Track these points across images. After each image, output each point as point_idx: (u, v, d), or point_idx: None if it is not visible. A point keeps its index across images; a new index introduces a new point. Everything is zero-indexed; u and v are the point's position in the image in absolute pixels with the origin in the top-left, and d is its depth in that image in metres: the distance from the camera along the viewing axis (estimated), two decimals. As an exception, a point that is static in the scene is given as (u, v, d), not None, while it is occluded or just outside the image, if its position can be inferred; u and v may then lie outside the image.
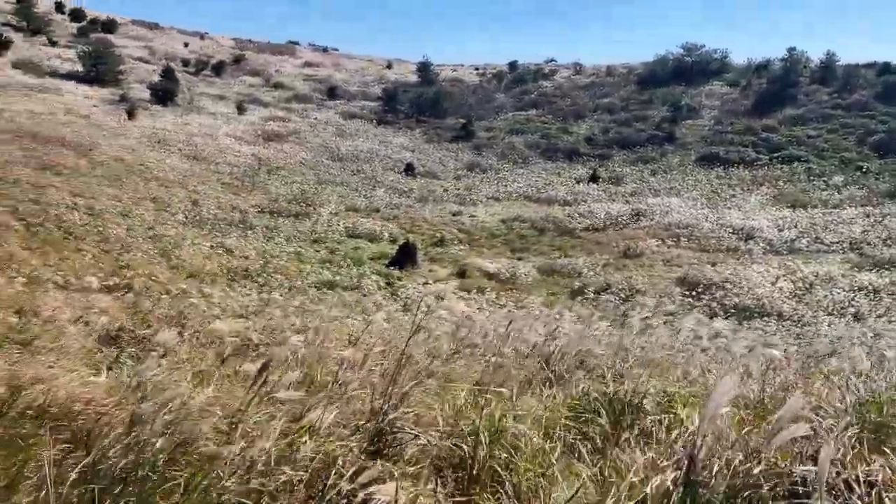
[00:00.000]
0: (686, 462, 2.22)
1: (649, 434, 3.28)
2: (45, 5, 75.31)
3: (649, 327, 6.21)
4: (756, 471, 2.30)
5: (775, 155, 43.01)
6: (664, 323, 6.25)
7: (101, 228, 21.32)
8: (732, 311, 20.12)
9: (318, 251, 26.01)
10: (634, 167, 45.35)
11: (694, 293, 21.79)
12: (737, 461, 2.35)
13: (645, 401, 3.64)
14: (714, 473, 2.27)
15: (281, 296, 17.23)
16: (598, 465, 2.79)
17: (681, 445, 2.65)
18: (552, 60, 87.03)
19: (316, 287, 20.86)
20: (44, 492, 2.22)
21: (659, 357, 5.34)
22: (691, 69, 63.72)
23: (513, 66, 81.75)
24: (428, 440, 2.63)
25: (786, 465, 2.42)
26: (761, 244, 27.64)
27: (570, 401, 3.76)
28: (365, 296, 20.08)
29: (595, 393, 3.69)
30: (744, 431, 2.68)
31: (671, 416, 3.47)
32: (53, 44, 60.52)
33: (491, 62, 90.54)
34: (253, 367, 2.99)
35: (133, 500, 2.25)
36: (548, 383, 4.30)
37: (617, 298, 21.32)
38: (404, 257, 25.38)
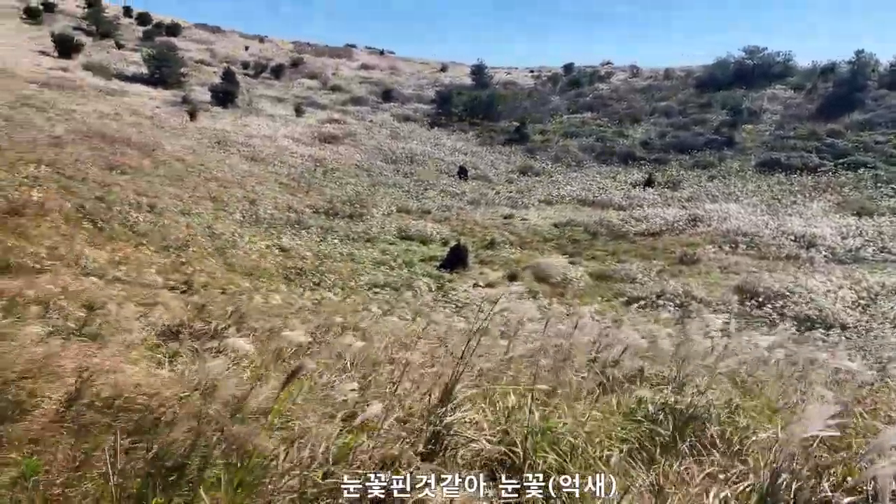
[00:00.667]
0: (768, 477, 2.15)
1: (710, 446, 3.21)
2: (113, 10, 78.26)
3: (708, 336, 6.06)
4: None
5: (840, 161, 41.43)
6: (722, 331, 6.09)
7: (162, 226, 21.99)
8: (793, 320, 19.47)
9: (370, 252, 26.27)
10: (692, 172, 44.41)
11: (753, 301, 21.18)
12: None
13: (706, 411, 3.56)
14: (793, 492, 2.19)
15: (335, 295, 17.48)
16: (655, 475, 2.74)
17: (751, 460, 2.58)
18: (608, 63, 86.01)
19: (368, 287, 21.08)
20: (108, 479, 2.31)
21: (720, 366, 5.21)
22: (753, 72, 62.01)
23: (568, 68, 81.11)
24: (484, 443, 2.63)
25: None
26: (824, 252, 26.67)
27: (627, 408, 3.70)
28: (416, 297, 20.19)
29: (653, 401, 3.63)
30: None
31: (733, 428, 3.38)
32: (121, 47, 62.76)
33: (546, 65, 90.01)
34: (312, 364, 3.05)
35: (190, 493, 2.31)
36: (603, 390, 4.25)
37: (673, 305, 20.89)
38: (455, 259, 25.42)
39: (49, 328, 6.26)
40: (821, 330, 18.57)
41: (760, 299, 21.36)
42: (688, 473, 2.57)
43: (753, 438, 3.27)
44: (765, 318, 19.60)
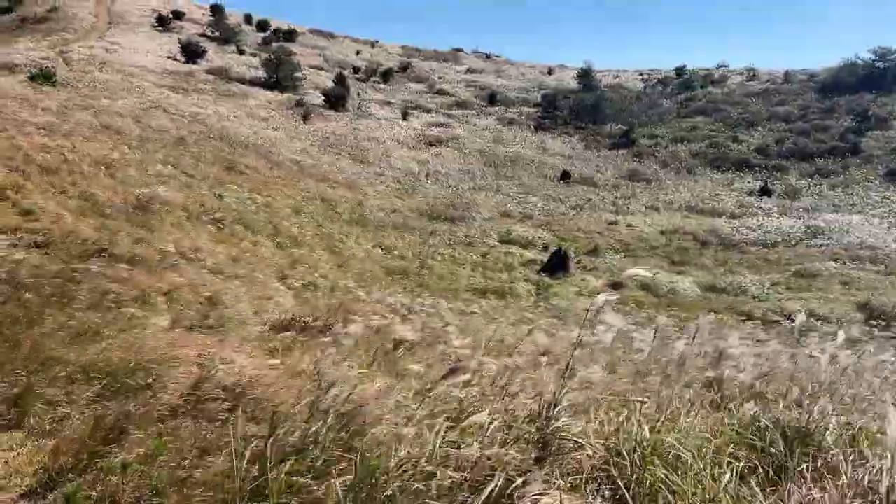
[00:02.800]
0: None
1: (829, 470, 3.02)
2: (235, 17, 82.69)
3: (830, 355, 5.70)
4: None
5: (983, 170, 38.02)
6: (846, 351, 5.71)
7: (276, 225, 23.00)
8: (925, 343, 17.98)
9: (471, 255, 26.40)
10: (812, 180, 41.91)
11: (880, 320, 19.72)
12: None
13: (825, 434, 3.35)
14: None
15: (435, 297, 17.68)
16: (772, 499, 2.61)
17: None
18: (723, 65, 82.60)
19: (468, 290, 21.20)
20: (233, 461, 2.45)
21: (842, 388, 4.90)
22: (884, 75, 57.76)
23: (679, 71, 78.41)
24: (592, 452, 2.59)
25: None
26: (963, 270, 24.53)
27: (740, 426, 3.54)
28: (516, 301, 20.11)
29: (768, 420, 3.45)
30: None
31: (857, 451, 3.17)
32: (241, 52, 66.18)
33: (656, 67, 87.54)
34: (417, 366, 3.12)
35: (312, 478, 2.40)
36: (713, 405, 4.09)
37: (789, 321, 19.78)
38: (556, 265, 25.11)
39: (173, 318, 6.69)
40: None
41: (888, 318, 19.87)
42: (810, 501, 2.42)
43: (879, 466, 3.06)
44: (893, 339, 18.21)
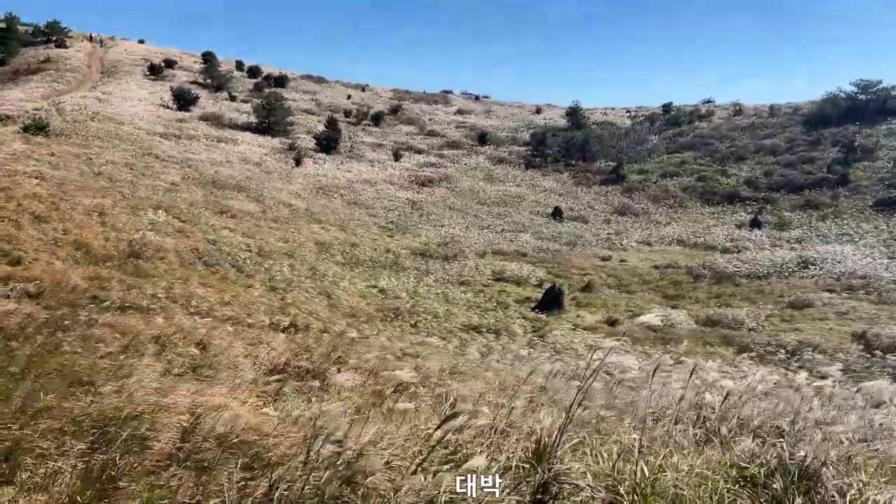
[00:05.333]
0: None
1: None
2: (227, 64, 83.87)
3: (825, 387, 5.71)
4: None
5: (971, 198, 38.46)
6: (841, 383, 5.72)
7: (269, 268, 22.98)
8: (922, 372, 17.94)
9: (465, 294, 26.37)
10: (802, 212, 42.27)
11: (875, 351, 19.69)
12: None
13: (823, 469, 3.33)
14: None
15: (430, 337, 17.60)
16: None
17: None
18: (709, 101, 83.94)
19: (463, 329, 21.11)
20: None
21: (835, 423, 4.89)
22: (867, 107, 58.80)
23: (666, 107, 79.68)
24: (592, 494, 2.56)
25: None
26: (956, 298, 24.60)
27: (735, 463, 3.51)
28: (511, 340, 20.03)
29: (767, 456, 3.43)
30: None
31: (855, 486, 3.15)
32: (233, 98, 66.98)
33: (644, 104, 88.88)
34: (410, 405, 3.10)
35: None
36: (709, 442, 4.06)
37: (784, 353, 19.74)
38: (551, 302, 25.11)
39: (165, 365, 6.63)
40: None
41: (883, 348, 19.85)
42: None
43: (876, 498, 3.04)
44: (889, 369, 18.18)
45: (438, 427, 2.65)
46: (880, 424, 5.20)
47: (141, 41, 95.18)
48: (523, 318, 23.71)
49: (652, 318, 23.99)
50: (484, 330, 21.28)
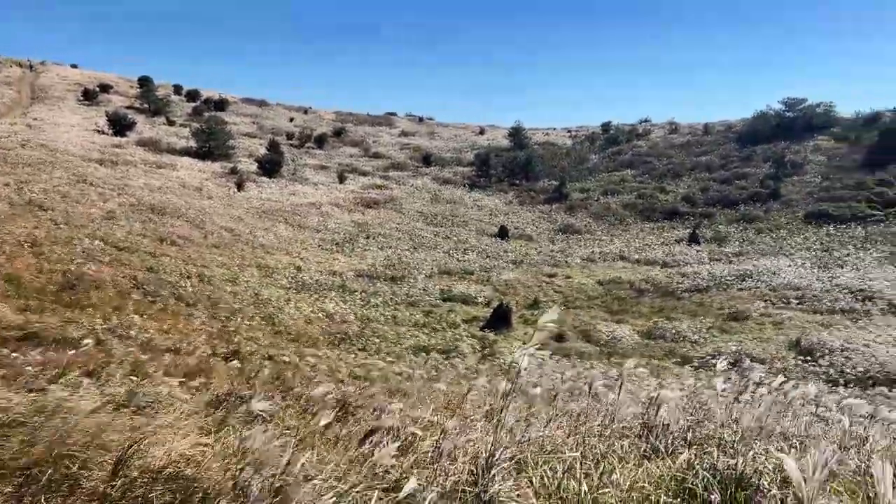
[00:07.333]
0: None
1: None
2: (165, 88, 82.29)
3: (761, 395, 5.87)
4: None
5: (891, 210, 40.43)
6: (777, 391, 5.90)
7: (210, 295, 22.47)
8: (853, 378, 18.68)
9: (413, 314, 26.30)
10: (738, 226, 43.78)
11: (809, 358, 20.44)
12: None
13: (761, 478, 3.40)
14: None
15: (378, 359, 17.46)
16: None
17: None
18: (646, 120, 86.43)
19: (412, 350, 21.03)
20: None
21: (773, 428, 5.03)
22: (794, 124, 61.59)
23: (606, 127, 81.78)
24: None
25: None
26: (881, 305, 25.73)
27: (675, 475, 3.56)
28: (461, 359, 20.03)
29: (702, 468, 3.49)
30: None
31: (792, 495, 3.22)
32: (171, 123, 65.65)
33: (584, 124, 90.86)
34: (348, 430, 3.05)
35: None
36: (650, 456, 4.11)
37: (725, 364, 20.26)
38: (499, 320, 25.27)
39: (98, 399, 6.38)
40: (886, 387, 17.72)
41: (817, 355, 20.61)
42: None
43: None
44: (823, 375, 18.87)
45: (364, 440, 2.63)
46: (808, 426, 5.37)
47: (74, 66, 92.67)
48: (472, 337, 23.78)
49: (598, 332, 24.38)
50: (433, 350, 21.25)
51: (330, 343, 20.68)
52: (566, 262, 38.28)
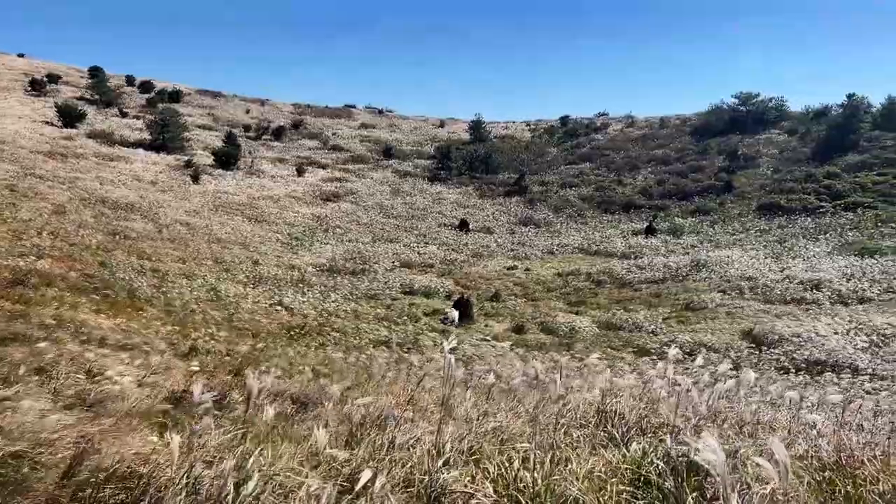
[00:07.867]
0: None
1: (717, 498, 3.14)
2: (117, 79, 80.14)
3: (713, 383, 6.02)
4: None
5: (839, 202, 41.72)
6: (731, 378, 6.03)
7: (166, 290, 22.05)
8: (803, 365, 19.27)
9: (374, 308, 26.21)
10: (693, 218, 44.66)
11: (762, 347, 21.00)
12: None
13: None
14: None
15: (338, 353, 17.36)
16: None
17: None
18: (604, 114, 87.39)
19: (372, 344, 20.96)
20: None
21: (724, 414, 5.17)
22: (747, 118, 63.04)
23: (564, 120, 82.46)
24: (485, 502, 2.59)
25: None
26: (829, 294, 26.54)
27: (630, 463, 3.63)
28: (421, 353, 20.03)
29: (654, 455, 3.57)
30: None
31: (738, 476, 3.31)
32: (124, 115, 64.02)
33: (543, 118, 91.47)
34: (310, 425, 3.04)
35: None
36: (606, 445, 4.18)
37: (680, 353, 20.69)
38: (460, 313, 25.33)
39: (50, 398, 6.22)
40: (832, 373, 18.31)
41: (769, 343, 21.19)
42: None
43: (762, 492, 3.20)
44: (774, 363, 19.42)
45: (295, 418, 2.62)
46: (756, 411, 5.53)
47: (21, 55, 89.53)
48: (433, 330, 23.80)
49: (557, 324, 24.65)
50: (394, 344, 21.21)
51: (289, 338, 20.48)
52: (526, 254, 38.58)
